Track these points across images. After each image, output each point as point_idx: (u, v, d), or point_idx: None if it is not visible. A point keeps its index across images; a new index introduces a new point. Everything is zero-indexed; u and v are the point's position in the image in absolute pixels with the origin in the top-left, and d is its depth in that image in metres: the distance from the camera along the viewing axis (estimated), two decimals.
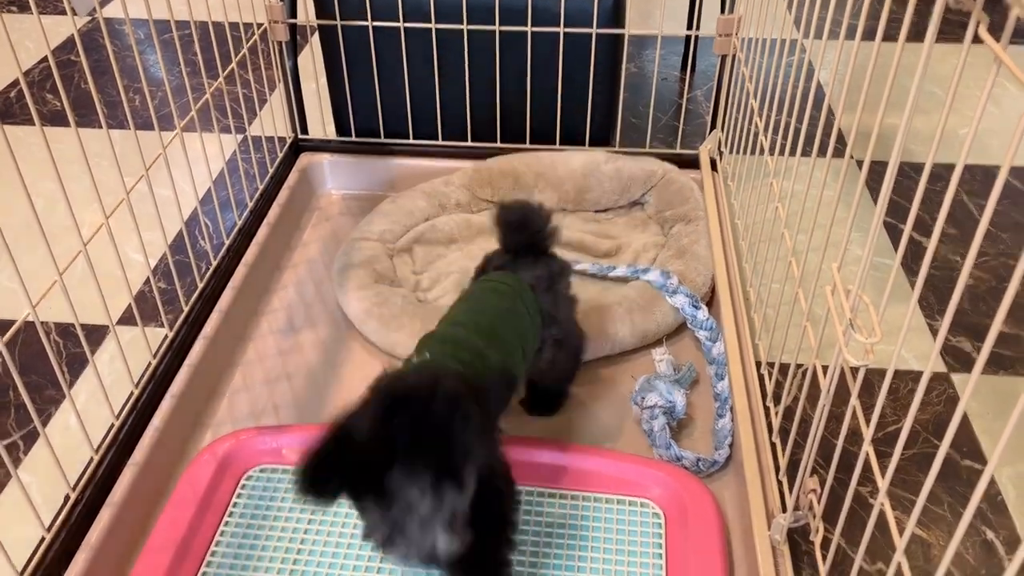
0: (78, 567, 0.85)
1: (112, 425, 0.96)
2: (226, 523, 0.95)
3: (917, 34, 0.57)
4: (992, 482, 1.00)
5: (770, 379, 1.01)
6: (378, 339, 1.18)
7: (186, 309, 1.13)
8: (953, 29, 1.09)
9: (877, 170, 1.44)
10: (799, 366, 0.89)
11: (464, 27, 1.38)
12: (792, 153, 0.96)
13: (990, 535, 0.95)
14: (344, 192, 1.54)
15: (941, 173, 1.47)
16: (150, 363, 1.04)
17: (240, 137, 1.69)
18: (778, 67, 1.04)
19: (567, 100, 1.44)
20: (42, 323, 0.83)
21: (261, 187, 1.40)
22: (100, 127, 0.92)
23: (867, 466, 0.68)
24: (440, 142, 1.50)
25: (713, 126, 1.48)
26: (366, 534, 0.69)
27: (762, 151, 1.10)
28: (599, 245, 1.36)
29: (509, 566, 0.83)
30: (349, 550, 0.92)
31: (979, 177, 1.53)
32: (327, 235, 1.44)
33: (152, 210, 1.01)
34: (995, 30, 0.47)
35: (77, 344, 1.22)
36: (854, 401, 0.71)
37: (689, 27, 1.82)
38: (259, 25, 1.40)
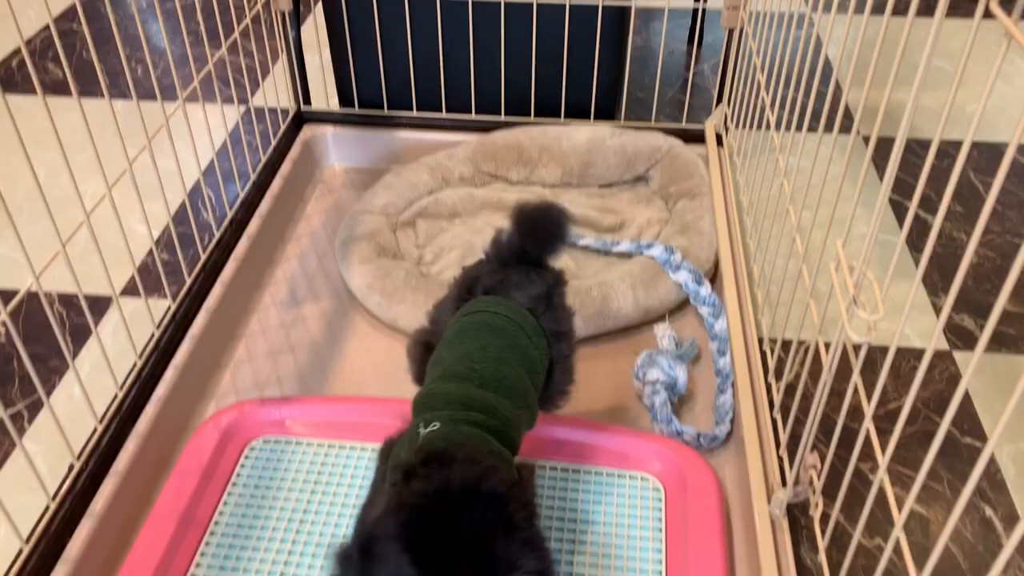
0: (83, 535, 0.86)
1: (116, 395, 0.97)
2: (229, 493, 0.96)
3: (927, 8, 0.56)
4: (992, 460, 1.01)
5: (772, 355, 1.01)
6: (381, 313, 1.18)
7: (189, 281, 1.13)
8: (963, 4, 1.07)
9: (884, 146, 1.43)
10: (801, 343, 0.89)
11: None
12: (798, 128, 0.96)
13: (988, 512, 0.96)
14: (347, 165, 1.54)
15: (948, 150, 1.46)
16: (153, 334, 1.04)
17: (243, 108, 1.69)
18: (786, 41, 1.03)
19: (572, 73, 1.43)
20: (45, 294, 0.83)
21: (264, 159, 1.39)
22: (102, 97, 0.91)
23: (867, 443, 0.68)
24: (444, 115, 1.49)
25: (719, 100, 1.47)
26: None
27: (768, 126, 1.09)
28: (603, 220, 1.36)
29: None
30: (352, 519, 0.93)
31: (986, 155, 1.52)
32: (330, 208, 1.43)
33: (154, 181, 1.00)
34: (1006, 4, 0.47)
35: (80, 315, 1.22)
36: (856, 378, 0.71)
37: None
38: None
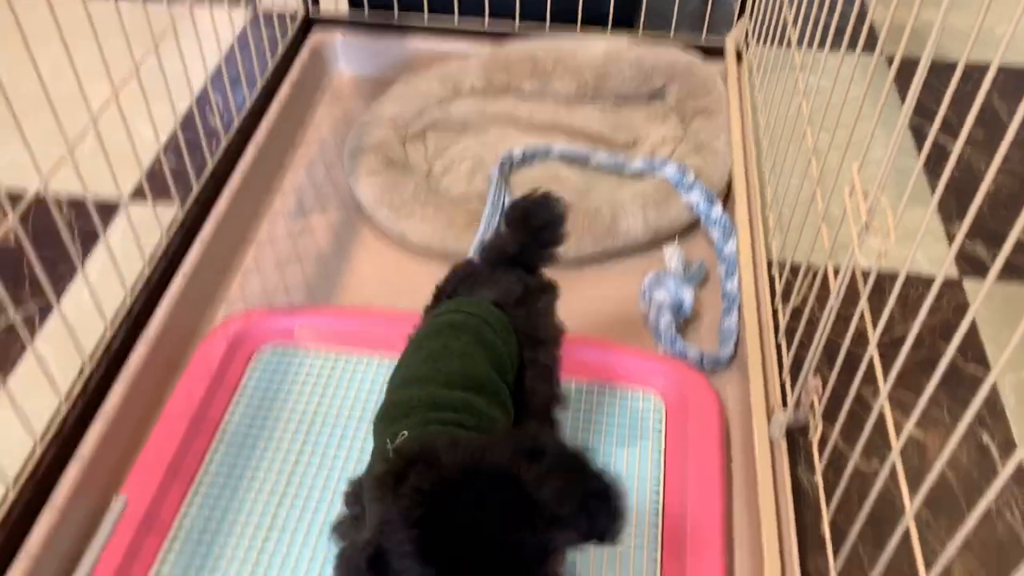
0: (94, 435, 0.88)
1: (124, 300, 0.98)
2: (238, 399, 0.98)
3: None
4: (993, 388, 1.01)
5: (780, 279, 1.01)
6: (389, 226, 1.17)
7: (196, 188, 1.13)
8: None
9: (907, 69, 1.38)
10: (810, 268, 0.88)
11: None
12: (820, 46, 0.93)
13: (986, 439, 0.97)
14: (356, 73, 1.51)
15: (972, 74, 1.42)
16: (161, 241, 1.05)
17: (250, 11, 1.64)
18: None
19: None
20: (53, 198, 0.82)
21: (272, 64, 1.36)
22: None
23: (870, 368, 0.68)
24: (456, 24, 1.46)
25: (741, 14, 1.42)
26: None
27: (789, 43, 1.06)
28: (616, 137, 1.34)
29: None
30: (358, 430, 0.95)
31: (1013, 79, 1.48)
32: (338, 116, 1.41)
33: (160, 85, 0.99)
34: None
35: (88, 221, 1.22)
36: (863, 304, 0.71)
37: None
38: None
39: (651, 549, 0.84)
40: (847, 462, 0.72)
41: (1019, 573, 0.44)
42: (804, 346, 0.87)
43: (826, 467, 0.81)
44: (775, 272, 1.04)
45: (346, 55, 1.49)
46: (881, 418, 0.66)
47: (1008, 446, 0.96)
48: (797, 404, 0.84)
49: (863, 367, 0.69)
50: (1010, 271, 1.16)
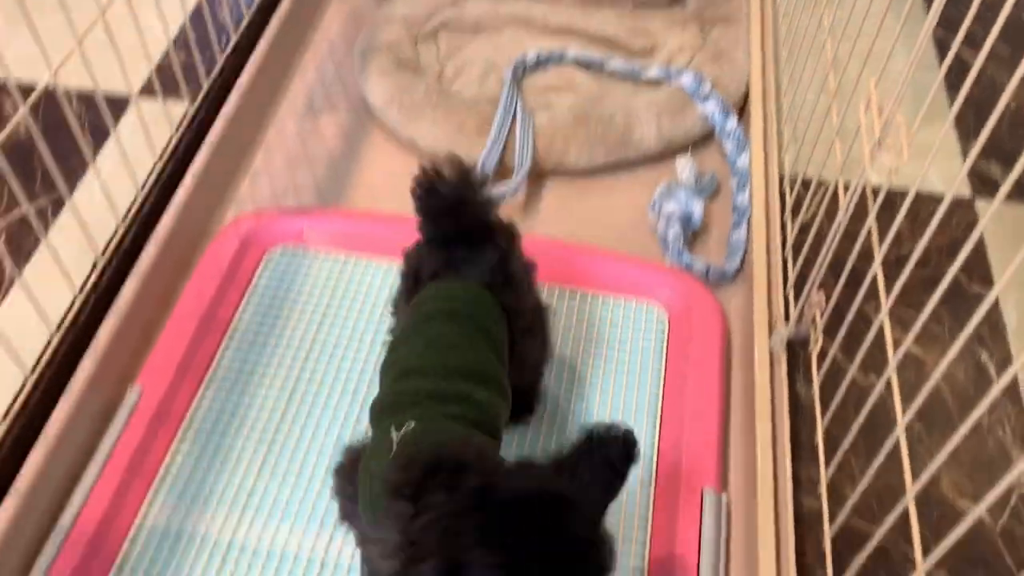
0: (108, 328, 0.90)
1: (136, 197, 0.98)
2: (248, 299, 0.99)
3: None
4: (996, 307, 1.02)
5: (791, 194, 1.01)
6: (399, 128, 1.16)
7: (206, 85, 1.11)
8: None
9: None
10: (821, 183, 0.88)
11: None
12: None
13: (984, 357, 0.98)
14: None
15: None
16: (171, 137, 1.04)
17: None
18: None
19: None
20: (64, 90, 0.82)
21: None
22: None
23: (873, 285, 0.69)
24: None
25: None
26: None
27: None
28: (633, 43, 1.31)
29: None
30: (366, 331, 0.96)
31: None
32: (348, 14, 1.38)
33: None
34: None
35: (98, 116, 1.21)
36: (871, 221, 0.71)
37: None
38: None
39: (647, 459, 0.86)
40: (845, 376, 0.74)
41: (1000, 485, 0.45)
42: (810, 261, 0.88)
43: (824, 381, 0.83)
44: (786, 187, 1.03)
45: None
46: (881, 334, 0.66)
47: (1006, 365, 0.97)
48: (799, 318, 0.85)
49: (867, 282, 0.70)
50: (1022, 192, 1.15)
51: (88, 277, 0.93)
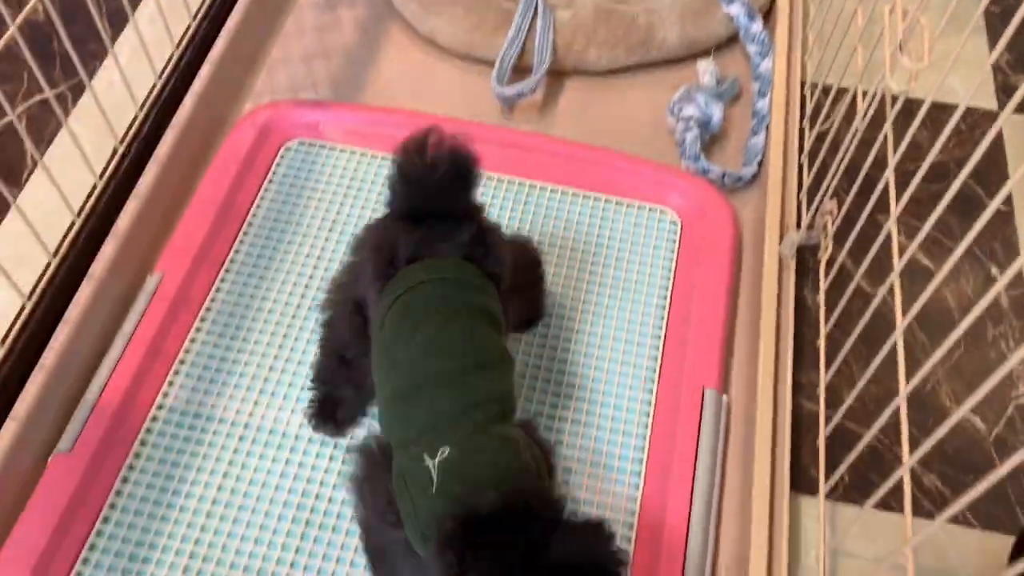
0: (129, 213, 0.91)
1: (154, 84, 0.98)
2: (265, 190, 1.00)
3: None
4: (1010, 222, 1.01)
5: (811, 100, 0.99)
6: (417, 23, 1.15)
7: None
8: None
9: None
10: (842, 90, 0.87)
11: None
12: None
13: (994, 271, 0.98)
14: None
15: None
16: (189, 25, 1.03)
17: None
18: None
19: None
20: None
21: None
22: None
23: (888, 194, 0.69)
24: None
25: None
26: None
27: None
28: None
29: None
30: None
31: None
32: None
33: None
34: None
35: (116, 2, 1.20)
36: (887, 128, 0.71)
37: None
38: None
39: (651, 358, 0.89)
40: (852, 283, 0.75)
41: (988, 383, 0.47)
42: (825, 169, 0.87)
43: (831, 288, 0.84)
44: (807, 92, 1.02)
45: None
46: (891, 244, 0.67)
47: (1017, 281, 0.98)
48: (811, 225, 0.86)
49: (879, 188, 0.70)
50: None
51: (108, 163, 0.94)
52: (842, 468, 0.68)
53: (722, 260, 0.94)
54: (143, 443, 0.82)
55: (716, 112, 1.04)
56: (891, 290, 0.64)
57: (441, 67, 1.14)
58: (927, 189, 0.66)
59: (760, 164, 1.03)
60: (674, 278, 0.94)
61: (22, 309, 0.84)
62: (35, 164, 1.03)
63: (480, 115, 1.08)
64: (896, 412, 0.59)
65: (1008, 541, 0.79)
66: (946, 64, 0.63)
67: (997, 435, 0.87)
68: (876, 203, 0.71)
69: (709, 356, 0.87)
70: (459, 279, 0.68)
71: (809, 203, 0.89)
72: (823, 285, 0.83)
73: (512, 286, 0.73)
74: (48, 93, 0.83)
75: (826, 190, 0.83)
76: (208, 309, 0.91)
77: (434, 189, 0.68)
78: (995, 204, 0.49)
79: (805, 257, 0.95)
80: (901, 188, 0.68)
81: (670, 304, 0.92)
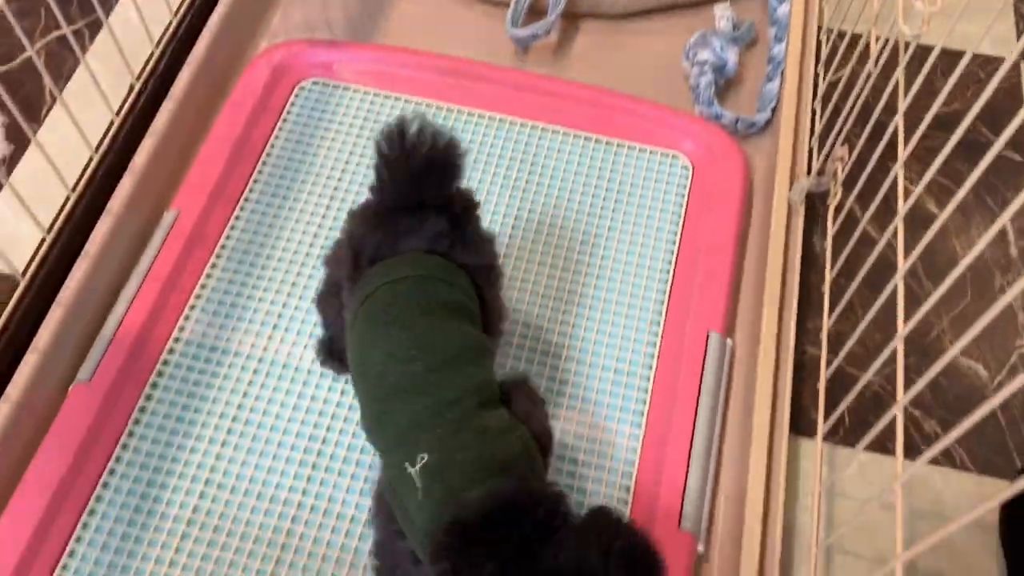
0: (145, 151, 0.93)
1: (170, 22, 0.99)
2: (280, 128, 1.01)
3: None
4: (1023, 172, 1.01)
5: (827, 45, 0.99)
6: None
7: None
8: None
9: None
10: (858, 35, 0.86)
11: None
12: None
13: (1007, 224, 0.98)
14: None
15: None
16: None
17: None
18: None
19: None
20: None
21: None
22: None
23: (898, 143, 0.69)
24: None
25: None
26: None
27: None
28: None
29: None
30: None
31: None
32: None
33: None
34: None
35: None
36: (899, 73, 0.70)
37: None
38: None
39: (658, 302, 0.90)
40: (858, 228, 0.75)
41: (982, 320, 0.47)
42: (838, 114, 0.87)
43: (840, 235, 0.84)
44: (823, 37, 1.01)
45: None
46: (901, 191, 0.67)
47: None
48: (821, 171, 0.86)
49: (888, 133, 0.70)
50: None
51: (125, 100, 0.95)
52: (840, 408, 0.69)
53: (732, 206, 0.94)
54: (160, 375, 0.85)
55: (731, 57, 1.04)
56: (896, 234, 0.65)
57: (456, 8, 1.13)
58: (943, 138, 0.65)
59: (774, 111, 1.03)
60: (684, 223, 0.95)
61: (41, 243, 0.86)
62: (54, 100, 1.04)
63: (494, 57, 1.08)
64: (898, 357, 0.60)
65: (1004, 486, 0.81)
66: (965, 12, 0.62)
67: (999, 383, 0.88)
68: (886, 150, 0.71)
69: (715, 300, 0.88)
70: (421, 276, 0.65)
71: (820, 149, 0.89)
72: (831, 231, 0.83)
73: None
74: (66, 29, 0.83)
75: (837, 136, 0.83)
76: (223, 246, 0.93)
77: (411, 180, 0.66)
78: (999, 143, 0.50)
79: (815, 205, 0.95)
80: (914, 135, 0.68)
81: (679, 248, 0.93)
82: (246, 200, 0.96)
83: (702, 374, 0.84)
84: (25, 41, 0.76)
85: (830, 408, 0.77)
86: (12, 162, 1.00)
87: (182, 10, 1.00)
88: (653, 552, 0.52)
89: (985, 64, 1.10)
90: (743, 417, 0.83)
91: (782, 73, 1.03)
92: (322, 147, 1.00)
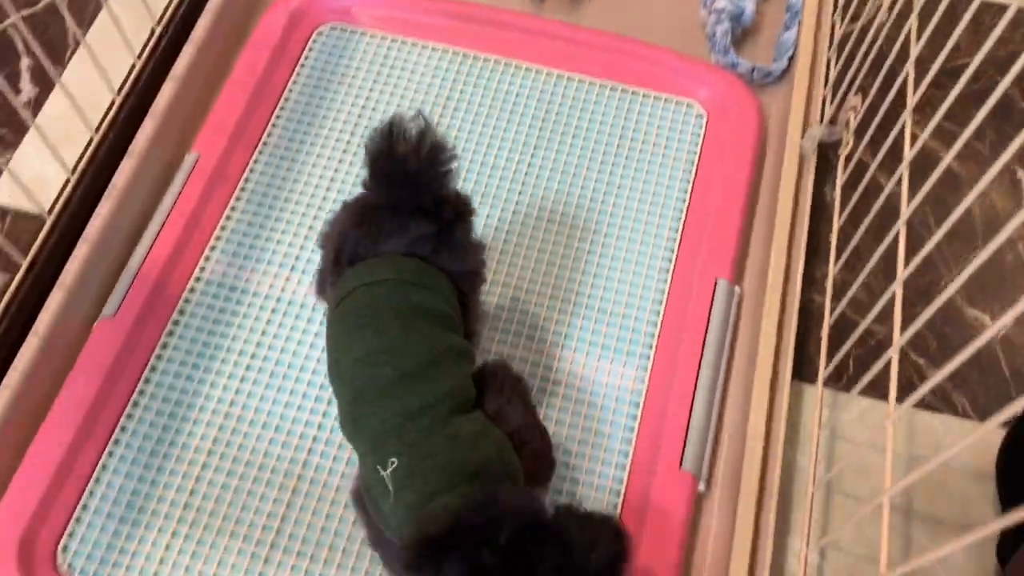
0: (166, 93, 0.95)
1: None
2: (298, 73, 1.02)
3: None
4: None
5: None
6: None
7: None
8: None
9: None
10: None
11: None
12: None
13: (1020, 174, 0.98)
14: None
15: None
16: None
17: None
18: None
19: None
20: None
21: None
22: None
23: (917, 94, 0.69)
24: None
25: None
26: None
27: None
28: None
29: None
30: (411, 111, 0.99)
31: None
32: None
33: None
34: None
35: None
36: (912, 20, 0.70)
37: None
38: None
39: (668, 249, 0.91)
40: (874, 184, 0.75)
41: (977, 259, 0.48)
42: (852, 62, 0.87)
43: (850, 185, 0.85)
44: None
45: None
46: (914, 140, 0.68)
47: None
48: (834, 120, 0.86)
49: (899, 80, 0.70)
50: None
51: (146, 45, 0.96)
52: (842, 352, 0.71)
53: (745, 154, 0.94)
54: (181, 312, 0.87)
55: (748, 4, 1.03)
56: (900, 181, 0.65)
57: None
58: (965, 90, 0.64)
59: (791, 60, 1.02)
60: (696, 171, 0.95)
61: (66, 183, 0.88)
62: (77, 44, 1.06)
63: (511, 3, 1.08)
64: (906, 305, 0.61)
65: (1003, 434, 0.82)
66: None
67: (1005, 335, 0.89)
68: (900, 99, 0.71)
69: (724, 247, 0.89)
70: (398, 279, 0.65)
71: (833, 98, 0.89)
72: (840, 180, 0.83)
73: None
74: None
75: (851, 85, 0.83)
76: (243, 188, 0.95)
77: (397, 182, 0.66)
78: (1005, 83, 0.50)
79: (827, 154, 0.96)
80: (934, 87, 0.68)
81: (691, 196, 0.94)
82: (264, 144, 0.97)
83: (709, 320, 0.85)
84: None
85: (833, 354, 0.79)
86: (37, 104, 1.03)
87: None
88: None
89: (999, 13, 1.08)
90: (748, 363, 0.85)
91: (799, 22, 1.03)
92: (340, 92, 1.01)
